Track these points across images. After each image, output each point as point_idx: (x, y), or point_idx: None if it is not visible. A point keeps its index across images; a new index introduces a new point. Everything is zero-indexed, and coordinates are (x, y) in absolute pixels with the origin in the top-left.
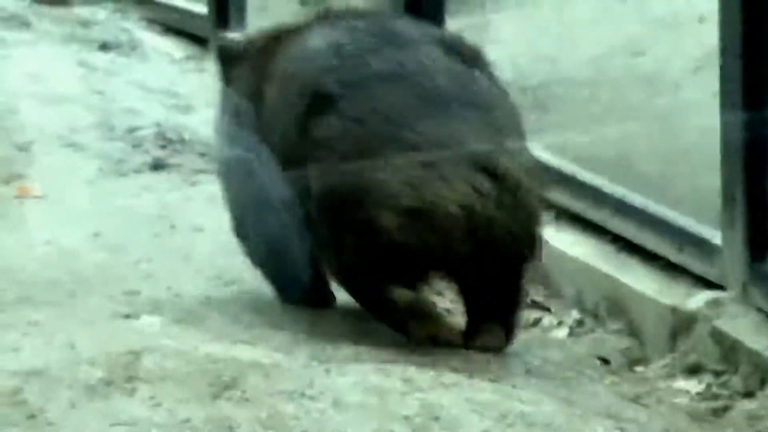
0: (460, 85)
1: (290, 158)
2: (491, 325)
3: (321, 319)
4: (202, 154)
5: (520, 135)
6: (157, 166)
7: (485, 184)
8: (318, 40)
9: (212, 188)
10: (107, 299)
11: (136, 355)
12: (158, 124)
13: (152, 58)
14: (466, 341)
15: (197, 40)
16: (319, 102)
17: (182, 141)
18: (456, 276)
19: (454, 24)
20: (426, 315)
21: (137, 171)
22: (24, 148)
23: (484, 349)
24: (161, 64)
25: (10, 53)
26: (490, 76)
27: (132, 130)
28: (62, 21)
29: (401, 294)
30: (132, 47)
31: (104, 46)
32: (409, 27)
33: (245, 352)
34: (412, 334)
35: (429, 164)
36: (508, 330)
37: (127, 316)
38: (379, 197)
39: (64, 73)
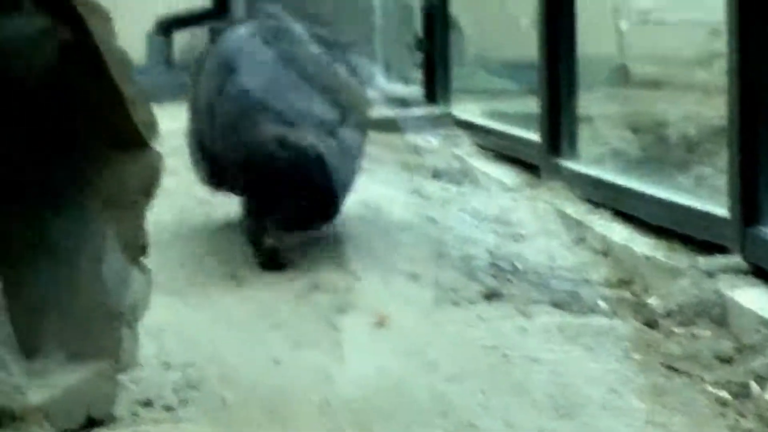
0: (330, 77)
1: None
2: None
3: None
4: (536, 284)
5: (354, 104)
6: (491, 295)
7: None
8: (238, 31)
9: (547, 319)
10: None
11: None
12: (491, 253)
13: (484, 186)
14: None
15: (529, 167)
16: (226, 70)
17: (515, 270)
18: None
19: None
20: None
21: (471, 301)
22: (359, 276)
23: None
24: (493, 191)
25: None
26: (348, 66)
27: (465, 259)
28: (393, 148)
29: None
30: (464, 174)
31: (437, 174)
32: (300, 28)
33: None
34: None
35: (289, 122)
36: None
37: None
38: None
39: (398, 201)
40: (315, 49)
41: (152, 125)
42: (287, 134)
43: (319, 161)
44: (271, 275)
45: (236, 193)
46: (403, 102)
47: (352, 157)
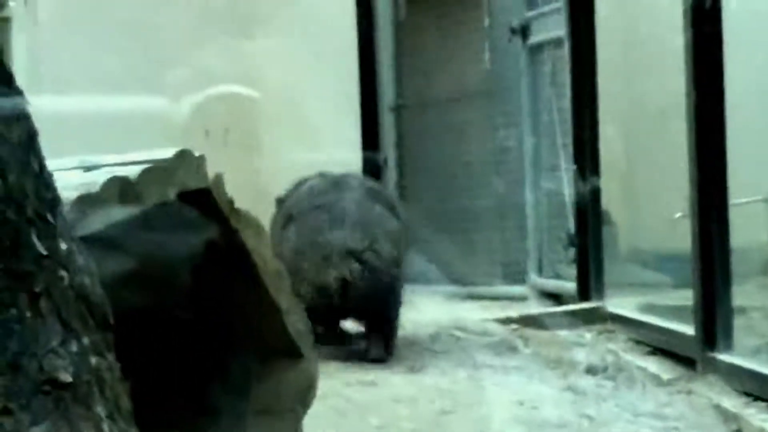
0: (363, 214)
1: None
2: (375, 343)
3: None
4: None
5: (394, 244)
6: None
7: (355, 267)
8: (298, 188)
9: None
10: None
11: None
12: None
13: (639, 381)
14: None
15: (685, 360)
16: (287, 220)
17: None
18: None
19: None
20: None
21: None
22: None
23: (374, 360)
24: (648, 386)
25: (500, 379)
26: (392, 210)
27: None
28: (548, 344)
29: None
30: (618, 369)
31: (591, 369)
32: (353, 180)
33: None
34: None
35: (326, 257)
36: (387, 346)
37: None
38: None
39: (552, 398)
40: (357, 195)
41: (307, 334)
42: (318, 287)
43: (342, 291)
44: None
45: None
46: (556, 298)
47: (386, 273)
